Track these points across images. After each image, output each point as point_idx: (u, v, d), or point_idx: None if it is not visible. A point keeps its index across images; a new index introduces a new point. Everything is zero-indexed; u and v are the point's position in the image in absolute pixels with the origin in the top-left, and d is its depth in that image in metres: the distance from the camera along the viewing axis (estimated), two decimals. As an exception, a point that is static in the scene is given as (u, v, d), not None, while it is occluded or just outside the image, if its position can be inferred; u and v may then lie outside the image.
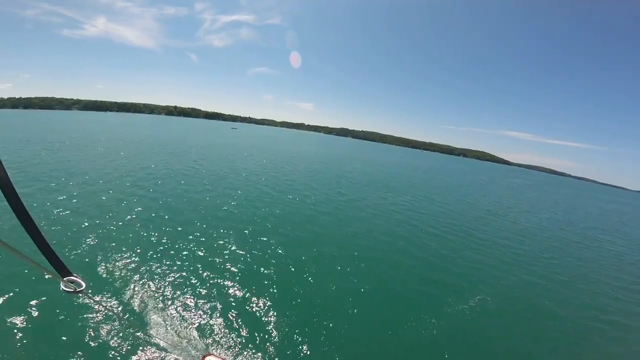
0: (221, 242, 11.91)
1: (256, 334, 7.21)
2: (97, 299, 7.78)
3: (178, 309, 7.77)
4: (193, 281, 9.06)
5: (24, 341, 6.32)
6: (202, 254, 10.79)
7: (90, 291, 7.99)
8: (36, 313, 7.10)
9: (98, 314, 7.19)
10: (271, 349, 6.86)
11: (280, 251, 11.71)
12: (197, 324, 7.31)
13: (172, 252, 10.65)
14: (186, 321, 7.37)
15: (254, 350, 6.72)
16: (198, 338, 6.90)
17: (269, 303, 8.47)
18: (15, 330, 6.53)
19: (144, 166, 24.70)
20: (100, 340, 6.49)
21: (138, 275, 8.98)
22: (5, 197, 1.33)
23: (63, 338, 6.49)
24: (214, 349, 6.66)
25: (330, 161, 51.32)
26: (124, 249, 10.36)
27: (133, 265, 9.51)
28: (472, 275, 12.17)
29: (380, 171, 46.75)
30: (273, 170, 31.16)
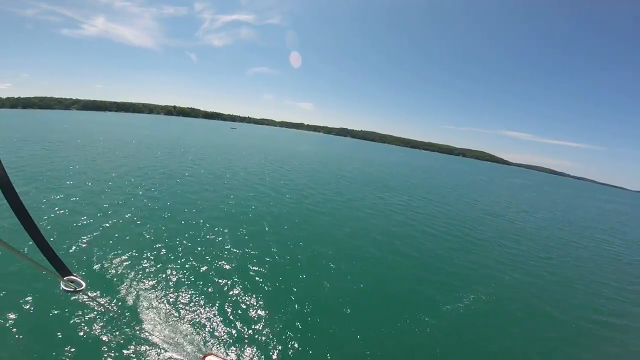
0: (220, 241, 11.91)
1: (256, 334, 7.23)
2: (97, 298, 7.77)
3: (178, 308, 7.78)
4: (193, 281, 9.06)
5: (24, 340, 6.32)
6: (201, 253, 10.79)
7: (90, 290, 7.98)
8: (36, 312, 7.11)
9: (98, 314, 7.18)
10: (271, 348, 6.87)
11: (278, 251, 11.71)
12: (197, 324, 7.32)
13: (172, 252, 10.66)
14: (187, 321, 7.37)
15: (254, 350, 6.74)
16: (199, 337, 6.90)
17: (268, 302, 8.47)
18: (15, 330, 6.53)
19: (142, 166, 24.68)
20: (101, 340, 6.49)
21: (138, 275, 8.99)
22: (5, 196, 1.33)
23: (63, 337, 6.49)
24: (214, 348, 6.66)
25: (329, 161, 51.33)
26: (123, 249, 10.36)
27: (133, 264, 9.52)
28: (468, 275, 12.19)
29: (379, 171, 46.76)
30: (272, 171, 31.15)
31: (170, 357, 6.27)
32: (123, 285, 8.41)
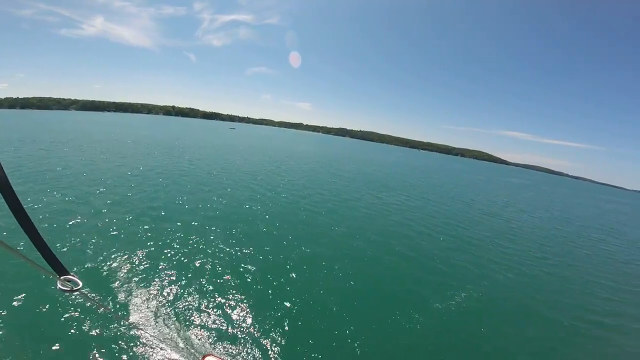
0: (217, 242, 11.90)
1: (254, 334, 7.24)
2: (94, 297, 7.75)
3: (176, 308, 7.77)
4: (190, 281, 9.06)
5: (20, 340, 6.30)
6: (198, 253, 10.78)
7: (86, 290, 7.99)
8: (32, 312, 7.08)
9: (95, 313, 7.16)
10: (269, 348, 6.89)
11: (274, 251, 11.71)
12: (196, 324, 7.32)
13: (169, 252, 10.65)
14: (185, 321, 7.37)
15: (253, 350, 6.75)
16: (197, 338, 6.90)
17: (266, 302, 8.49)
18: (11, 329, 6.52)
19: (140, 166, 24.65)
20: (98, 340, 6.48)
21: (135, 275, 8.99)
22: (3, 195, 1.35)
23: (60, 337, 6.48)
24: (213, 348, 6.66)
25: (327, 161, 51.33)
26: (120, 248, 10.36)
27: (129, 264, 9.52)
28: (464, 275, 12.20)
29: (377, 171, 46.79)
30: (270, 171, 31.12)
31: (169, 358, 6.26)
32: (120, 285, 8.41)
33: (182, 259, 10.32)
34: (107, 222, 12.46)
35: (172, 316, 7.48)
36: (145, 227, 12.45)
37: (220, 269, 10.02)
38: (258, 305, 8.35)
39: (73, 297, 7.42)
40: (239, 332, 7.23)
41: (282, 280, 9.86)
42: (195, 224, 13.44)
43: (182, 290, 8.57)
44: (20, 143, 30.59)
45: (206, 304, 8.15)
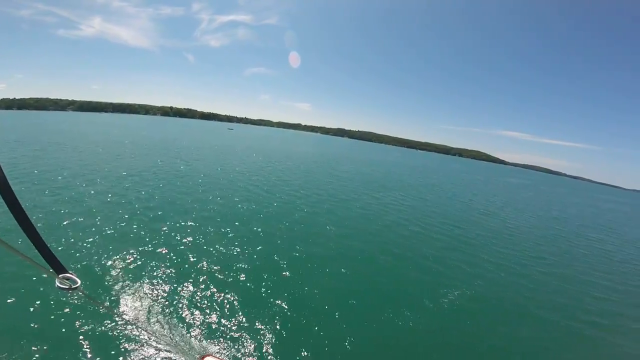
0: (214, 242, 11.86)
1: (252, 334, 7.24)
2: (92, 296, 7.70)
3: (174, 307, 7.76)
4: (188, 281, 9.05)
5: (18, 338, 6.27)
6: (196, 253, 10.76)
7: (85, 289, 7.95)
8: (31, 310, 7.06)
9: (93, 312, 7.14)
10: (267, 347, 6.90)
11: (272, 251, 11.66)
12: (194, 324, 7.31)
13: (168, 251, 10.66)
14: (183, 321, 7.36)
15: (251, 350, 6.76)
16: (195, 338, 6.88)
17: (262, 303, 8.51)
18: (9, 328, 6.49)
19: (138, 167, 24.54)
20: (95, 339, 6.45)
21: (133, 274, 8.99)
22: (2, 195, 1.35)
23: (57, 336, 6.45)
24: (212, 349, 6.65)
25: (325, 161, 51.32)
26: (119, 247, 10.36)
27: (128, 263, 9.52)
28: (459, 275, 12.17)
29: (375, 171, 46.80)
30: (268, 172, 31.05)
31: (168, 358, 6.23)
32: (118, 284, 8.41)
33: (180, 258, 10.31)
34: (104, 221, 12.44)
35: (170, 316, 7.47)
36: (143, 227, 12.42)
37: (217, 268, 9.99)
38: (255, 305, 8.35)
39: (71, 295, 7.40)
40: (237, 333, 7.22)
41: (279, 280, 9.85)
42: (192, 224, 13.40)
43: (180, 290, 8.56)
44: (16, 144, 30.45)
45: (204, 303, 8.14)
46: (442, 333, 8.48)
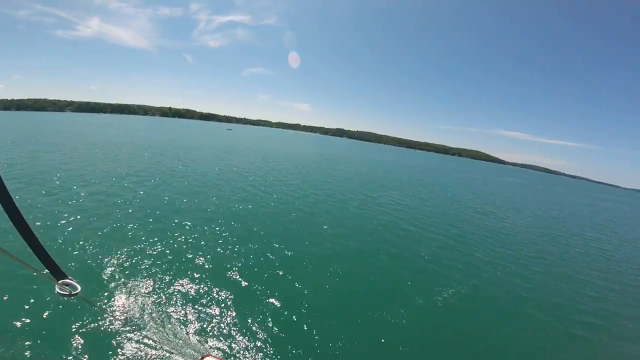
0: (212, 242, 11.89)
1: (251, 333, 7.28)
2: (93, 301, 7.69)
3: (174, 309, 7.77)
4: (187, 282, 9.06)
5: (19, 345, 6.23)
6: (194, 255, 10.76)
7: (82, 290, 7.89)
8: (31, 317, 7.01)
9: (92, 314, 7.13)
10: (267, 347, 6.94)
11: (271, 252, 11.66)
12: (194, 325, 7.33)
13: (166, 253, 10.64)
14: (183, 322, 7.37)
15: (250, 349, 6.79)
16: (195, 339, 6.90)
17: (261, 303, 8.55)
18: (10, 335, 6.45)
19: (136, 168, 24.48)
20: (96, 343, 6.44)
21: (133, 277, 8.96)
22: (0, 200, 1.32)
23: (58, 342, 6.43)
24: (212, 349, 6.66)
25: (324, 161, 51.32)
26: (116, 250, 10.33)
27: (127, 267, 9.49)
28: (455, 274, 12.15)
29: (374, 171, 46.82)
30: (266, 172, 31.05)
31: (168, 358, 6.25)
32: (116, 285, 8.43)
33: (179, 259, 10.31)
34: (102, 222, 12.43)
35: (170, 316, 7.49)
36: (141, 227, 12.42)
37: (216, 269, 10.02)
38: (255, 305, 8.39)
39: (72, 300, 7.32)
40: (237, 333, 7.26)
41: (277, 280, 9.87)
42: (191, 225, 13.39)
43: (179, 291, 8.58)
44: (13, 145, 30.35)
45: (203, 304, 8.15)
46: (437, 332, 8.48)
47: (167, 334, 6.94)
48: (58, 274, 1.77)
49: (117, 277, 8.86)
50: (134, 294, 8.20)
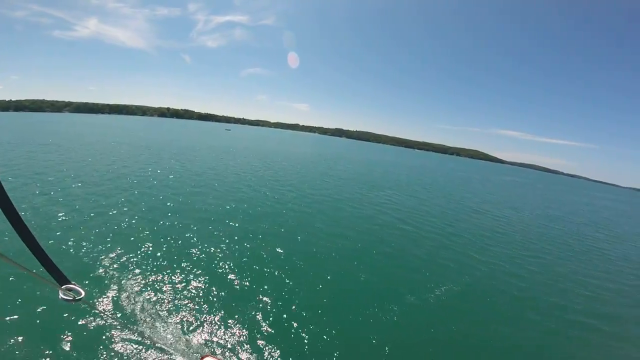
0: (211, 243, 11.87)
1: (250, 333, 7.31)
2: (96, 306, 7.68)
3: (175, 311, 7.78)
4: (187, 283, 9.07)
5: (24, 351, 6.20)
6: (194, 255, 10.79)
7: (88, 298, 7.90)
8: (35, 323, 6.96)
9: (92, 315, 7.14)
10: (266, 346, 6.97)
11: (270, 252, 11.66)
12: (194, 325, 7.36)
13: (167, 255, 10.62)
14: (183, 322, 7.40)
15: (249, 349, 6.82)
16: (196, 339, 6.93)
17: (260, 303, 8.56)
18: (14, 341, 6.41)
19: (135, 169, 24.44)
20: (100, 347, 6.44)
21: (131, 277, 8.98)
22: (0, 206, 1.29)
23: (63, 347, 6.41)
24: (211, 349, 6.69)
25: (322, 161, 51.29)
26: (119, 254, 10.27)
27: (126, 267, 9.49)
28: (452, 273, 12.15)
29: (372, 171, 46.81)
30: (265, 172, 31.05)
31: (168, 358, 6.28)
32: (115, 286, 8.43)
33: (177, 260, 10.30)
34: (107, 228, 12.32)
35: (170, 317, 7.52)
36: (145, 231, 12.35)
37: (214, 269, 10.04)
38: (254, 305, 8.41)
39: (76, 306, 7.30)
40: (236, 332, 7.29)
41: (276, 280, 9.89)
42: (190, 225, 13.37)
43: (178, 292, 8.60)
44: (11, 146, 30.26)
45: (203, 305, 8.16)
46: (430, 330, 8.47)
47: (167, 333, 6.98)
48: (61, 279, 1.73)
49: (114, 278, 8.85)
50: (132, 294, 8.19)
